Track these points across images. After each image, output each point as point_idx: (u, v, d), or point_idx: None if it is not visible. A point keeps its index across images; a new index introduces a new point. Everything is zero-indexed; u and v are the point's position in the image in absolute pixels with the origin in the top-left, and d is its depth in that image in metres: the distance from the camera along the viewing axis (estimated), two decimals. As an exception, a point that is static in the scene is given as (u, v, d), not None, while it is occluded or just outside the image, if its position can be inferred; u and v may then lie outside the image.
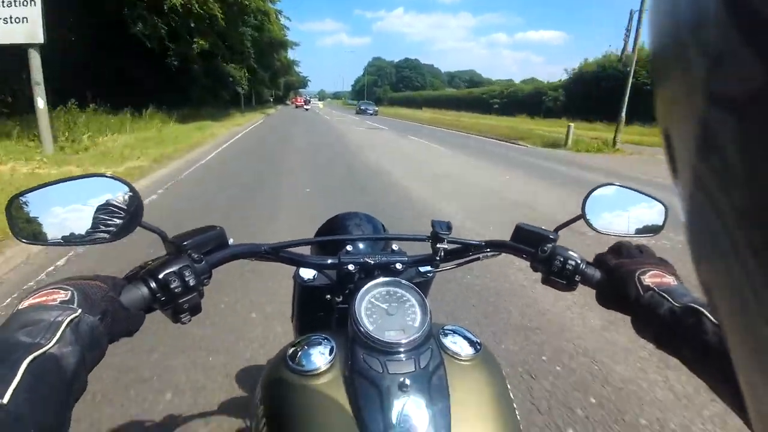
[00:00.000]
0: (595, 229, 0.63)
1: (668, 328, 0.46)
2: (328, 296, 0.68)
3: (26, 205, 0.47)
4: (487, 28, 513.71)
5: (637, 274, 0.51)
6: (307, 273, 0.72)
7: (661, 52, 0.12)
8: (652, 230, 0.64)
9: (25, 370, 0.30)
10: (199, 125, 13.60)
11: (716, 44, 0.09)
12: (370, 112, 34.77)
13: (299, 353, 0.53)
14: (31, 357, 0.31)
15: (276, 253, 0.60)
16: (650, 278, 0.51)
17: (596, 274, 0.57)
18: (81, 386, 0.36)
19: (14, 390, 0.29)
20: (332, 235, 0.79)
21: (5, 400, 0.28)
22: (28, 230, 0.48)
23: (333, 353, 0.53)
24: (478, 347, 0.57)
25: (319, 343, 0.54)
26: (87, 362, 0.36)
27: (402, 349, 0.51)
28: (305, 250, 0.74)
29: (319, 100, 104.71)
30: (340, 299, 0.66)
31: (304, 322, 0.77)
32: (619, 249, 0.58)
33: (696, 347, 0.42)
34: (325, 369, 0.51)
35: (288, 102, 66.71)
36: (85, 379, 0.36)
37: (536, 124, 24.25)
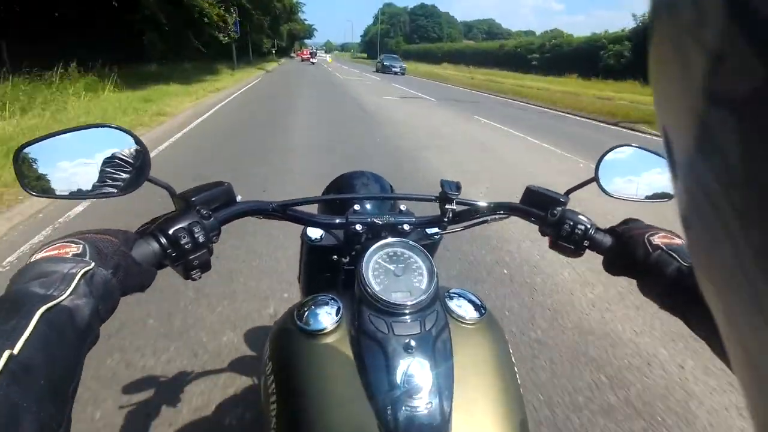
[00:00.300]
0: (607, 193, 0.63)
1: (674, 287, 0.47)
2: (335, 257, 0.69)
3: (33, 159, 0.47)
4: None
5: (646, 236, 0.53)
6: (314, 233, 0.72)
7: (661, 51, 0.12)
8: (664, 196, 0.63)
9: (38, 321, 0.30)
10: (150, 94, 8.71)
11: (716, 44, 0.09)
12: (396, 70, 25.52)
13: (306, 313, 0.55)
14: (44, 308, 0.31)
15: (284, 211, 0.61)
16: (659, 239, 0.52)
17: (605, 239, 0.58)
18: (93, 338, 0.35)
19: (26, 340, 0.28)
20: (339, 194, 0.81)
21: (16, 350, 0.27)
22: (36, 183, 0.47)
23: (339, 313, 0.54)
24: (483, 311, 0.58)
25: (326, 303, 0.56)
26: (101, 314, 0.36)
27: (408, 311, 0.52)
28: (313, 210, 0.73)
29: (326, 52, 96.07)
30: (347, 260, 0.66)
31: (310, 282, 0.79)
32: (628, 221, 0.59)
33: (700, 309, 0.41)
34: (331, 329, 0.52)
35: (293, 54, 60.14)
36: (98, 331, 0.36)
37: (598, 89, 18.81)
